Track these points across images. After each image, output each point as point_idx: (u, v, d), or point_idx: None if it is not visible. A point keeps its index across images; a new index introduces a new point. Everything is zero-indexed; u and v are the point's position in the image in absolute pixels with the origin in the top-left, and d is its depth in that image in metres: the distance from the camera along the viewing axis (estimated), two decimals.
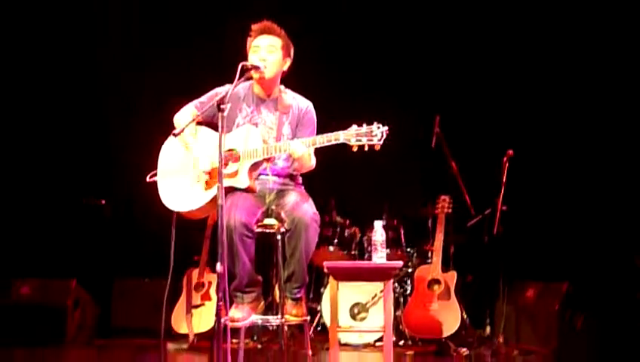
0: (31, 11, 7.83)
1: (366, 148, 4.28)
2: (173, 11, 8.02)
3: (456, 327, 6.23)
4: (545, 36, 7.49)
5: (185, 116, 4.67)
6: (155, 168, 4.72)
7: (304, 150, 4.37)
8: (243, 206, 4.43)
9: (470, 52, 7.78)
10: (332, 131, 4.35)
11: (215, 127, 4.05)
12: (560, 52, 7.42)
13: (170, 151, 4.73)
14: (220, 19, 7.65)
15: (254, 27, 4.70)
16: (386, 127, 4.27)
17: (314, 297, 7.01)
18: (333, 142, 4.33)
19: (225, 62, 4.64)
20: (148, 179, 4.71)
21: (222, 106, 4.02)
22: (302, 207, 4.46)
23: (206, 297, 6.51)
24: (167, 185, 4.65)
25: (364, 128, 4.27)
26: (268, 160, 4.52)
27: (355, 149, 4.28)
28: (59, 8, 7.89)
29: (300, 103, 4.73)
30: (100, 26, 8.03)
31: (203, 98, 4.69)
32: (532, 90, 7.53)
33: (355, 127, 4.28)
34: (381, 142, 4.26)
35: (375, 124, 4.27)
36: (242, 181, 4.46)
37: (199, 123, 4.65)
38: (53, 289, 6.82)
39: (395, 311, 6.32)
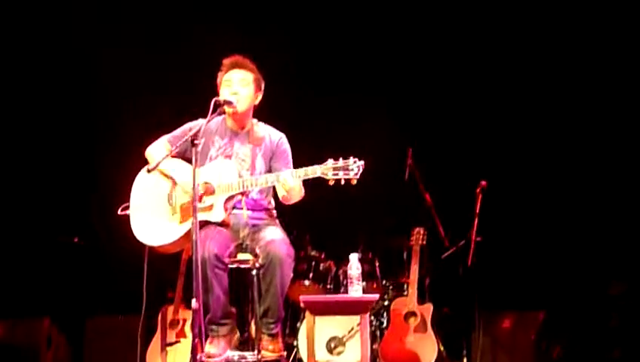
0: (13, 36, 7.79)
1: (342, 183, 4.28)
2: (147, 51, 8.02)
3: (433, 359, 6.21)
4: (515, 68, 7.56)
5: (158, 150, 4.66)
6: (127, 201, 4.69)
7: (295, 181, 4.37)
8: (216, 238, 4.42)
9: (442, 84, 7.83)
10: (305, 164, 4.36)
11: (188, 160, 4.05)
12: (530, 84, 7.49)
13: (143, 185, 4.71)
14: (191, 54, 7.66)
15: (225, 61, 4.73)
16: (362, 162, 4.28)
17: (290, 332, 6.95)
18: (310, 176, 4.33)
19: (198, 96, 4.64)
20: (119, 212, 4.68)
21: (195, 142, 4.04)
22: (276, 242, 4.45)
23: (181, 334, 6.43)
24: (140, 219, 4.63)
25: (341, 162, 4.28)
26: (243, 193, 4.51)
27: (331, 183, 4.29)
28: (40, 35, 7.85)
29: (272, 135, 4.74)
30: (82, 56, 7.98)
31: (176, 132, 4.70)
32: (504, 121, 7.58)
33: (331, 161, 4.29)
34: (357, 176, 4.27)
35: (351, 158, 4.28)
36: (217, 215, 4.46)
37: (173, 156, 4.64)
38: (25, 328, 6.70)
39: (372, 345, 6.28)
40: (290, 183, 4.36)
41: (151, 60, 7.75)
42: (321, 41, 7.99)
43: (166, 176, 4.63)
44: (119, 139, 7.78)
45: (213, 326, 4.49)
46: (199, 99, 4.59)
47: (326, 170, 4.28)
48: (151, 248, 4.54)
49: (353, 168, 4.26)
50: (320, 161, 4.33)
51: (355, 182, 4.27)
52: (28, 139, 7.86)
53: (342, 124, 7.84)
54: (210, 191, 4.48)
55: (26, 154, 7.83)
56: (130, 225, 4.67)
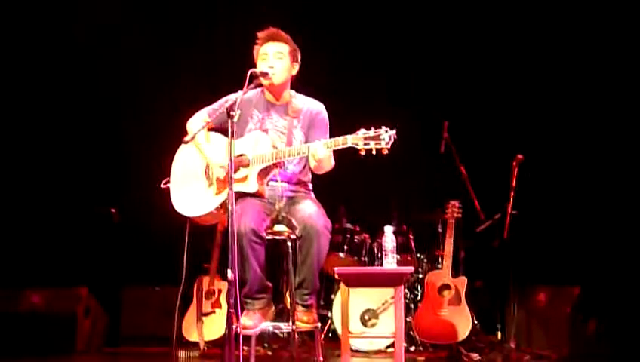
0: (42, 18, 7.85)
1: (374, 153, 4.27)
2: (188, 19, 8.06)
3: (467, 333, 6.21)
4: (556, 40, 7.47)
5: (197, 122, 4.70)
6: (168, 175, 4.74)
7: (325, 151, 4.36)
8: (252, 212, 4.43)
9: (479, 56, 7.77)
10: (340, 135, 4.35)
11: (227, 134, 4.05)
12: (571, 56, 7.40)
13: (182, 158, 4.77)
14: (230, 27, 7.69)
15: (260, 35, 4.72)
16: (394, 131, 4.25)
17: (324, 304, 6.99)
18: (341, 146, 4.32)
19: (236, 70, 4.64)
20: (162, 185, 4.73)
21: (231, 113, 4.04)
22: (314, 214, 4.45)
23: (216, 305, 6.50)
24: (179, 190, 4.68)
25: (372, 132, 4.26)
26: (278, 165, 4.52)
27: (362, 153, 4.27)
28: (69, 15, 7.91)
29: (311, 106, 4.73)
30: (113, 33, 8.03)
31: (215, 105, 4.71)
32: (542, 94, 7.52)
33: (363, 130, 4.27)
34: (389, 146, 4.24)
35: (383, 128, 4.25)
36: (251, 186, 4.48)
37: (212, 129, 4.67)
38: (63, 297, 6.79)
39: (405, 317, 6.30)
40: (320, 154, 4.36)
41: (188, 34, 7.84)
42: (358, 10, 7.97)
43: (201, 153, 4.67)
44: (156, 111, 7.84)
45: (249, 300, 4.51)
46: (237, 72, 4.59)
47: (357, 139, 4.26)
48: (188, 219, 4.57)
49: (384, 138, 4.23)
50: (354, 131, 4.32)
51: (386, 151, 4.25)
52: (65, 111, 7.94)
53: (380, 97, 7.82)
54: (244, 163, 4.50)
55: (63, 126, 7.92)
56: (165, 197, 4.71)
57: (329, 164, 4.54)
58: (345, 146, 4.32)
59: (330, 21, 7.88)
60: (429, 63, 7.89)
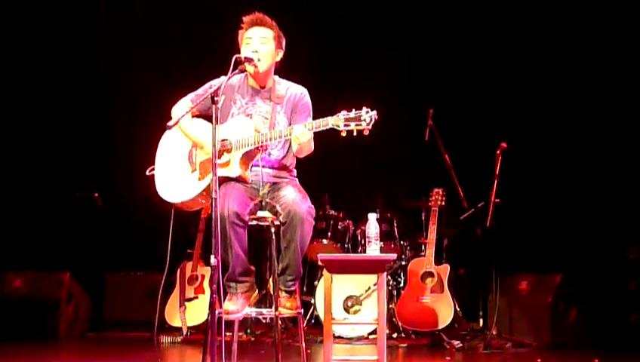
0: (35, 9, 7.82)
1: (355, 134, 4.26)
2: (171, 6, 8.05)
3: (450, 320, 6.25)
4: (538, 28, 7.50)
5: (181, 108, 4.69)
6: (153, 161, 4.73)
7: (307, 135, 4.36)
8: (236, 196, 4.42)
9: (463, 44, 7.79)
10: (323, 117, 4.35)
11: (211, 119, 4.05)
12: (553, 45, 7.43)
13: (166, 144, 4.77)
14: (215, 13, 7.67)
15: (245, 19, 4.69)
16: (375, 112, 4.23)
17: (307, 290, 7.02)
18: (322, 128, 4.31)
19: (221, 55, 4.62)
20: (147, 173, 4.71)
21: (215, 98, 4.03)
22: (298, 200, 4.45)
23: (199, 290, 6.51)
24: (162, 177, 4.67)
25: (353, 113, 4.25)
26: (260, 149, 4.51)
27: (343, 134, 4.26)
28: (63, 6, 7.89)
29: (293, 91, 4.71)
30: (101, 21, 8.02)
31: (199, 90, 4.70)
32: (525, 82, 7.55)
33: (344, 112, 4.26)
34: (369, 126, 4.23)
35: (364, 108, 4.24)
36: (234, 170, 4.47)
37: (196, 116, 4.66)
38: (46, 282, 6.78)
39: (388, 304, 6.32)
40: (303, 138, 4.36)
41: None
42: None
43: (186, 135, 4.66)
44: (141, 95, 7.83)
45: (232, 284, 4.51)
46: (221, 56, 4.58)
47: (337, 121, 4.25)
48: (173, 205, 4.57)
49: (365, 118, 4.22)
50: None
51: (367, 132, 4.24)
52: (50, 96, 7.91)
53: (362, 83, 7.82)
54: (227, 147, 4.49)
55: (48, 110, 7.89)
56: (149, 183, 4.70)
57: (309, 147, 4.53)
58: (326, 128, 4.31)
59: (320, 5, 7.89)
60: (415, 49, 7.89)
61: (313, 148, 4.57)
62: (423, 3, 7.91)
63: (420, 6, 7.91)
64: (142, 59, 7.98)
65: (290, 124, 4.62)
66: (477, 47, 7.73)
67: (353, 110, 4.25)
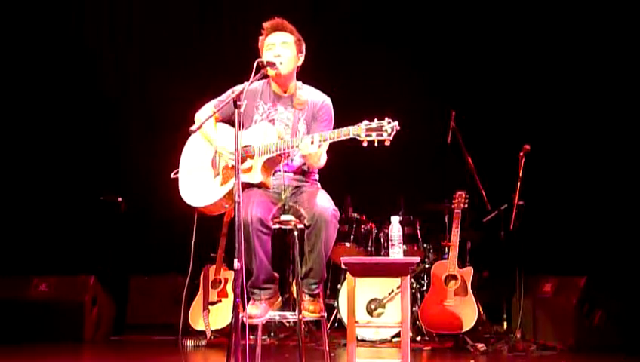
0: (53, 13, 7.90)
1: (376, 144, 4.25)
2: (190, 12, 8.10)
3: (473, 323, 6.22)
4: (562, 30, 7.46)
5: (204, 113, 4.70)
6: (177, 166, 4.76)
7: (312, 149, 4.35)
8: (259, 202, 4.43)
9: (486, 46, 7.77)
10: (346, 126, 4.33)
11: (234, 125, 4.05)
12: (579, 46, 7.38)
13: (191, 148, 4.79)
14: (236, 19, 7.72)
15: (266, 25, 4.70)
16: (397, 123, 4.22)
17: (331, 293, 7.01)
18: (343, 138, 4.30)
19: (243, 62, 4.63)
20: (172, 176, 4.74)
21: (238, 103, 4.04)
22: (321, 203, 4.44)
23: (223, 294, 6.52)
24: (187, 180, 4.69)
25: (375, 123, 4.23)
26: (282, 156, 4.51)
27: (365, 144, 4.25)
28: (78, 10, 7.96)
29: (315, 98, 4.70)
30: (121, 26, 8.09)
31: (222, 96, 4.70)
32: (548, 84, 7.51)
33: (365, 122, 4.25)
34: (391, 137, 4.21)
35: (386, 119, 4.23)
36: (255, 176, 4.47)
37: (219, 121, 4.68)
38: (71, 286, 6.83)
39: (412, 307, 6.31)
40: (304, 151, 4.33)
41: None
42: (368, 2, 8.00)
43: (209, 140, 4.68)
44: (164, 100, 7.87)
45: (255, 290, 4.51)
46: (243, 64, 4.59)
47: (359, 130, 4.23)
48: (196, 210, 4.59)
49: (387, 129, 4.20)
50: (359, 122, 4.30)
51: (389, 143, 4.23)
52: (74, 101, 7.99)
53: (386, 86, 7.82)
54: (249, 153, 4.50)
55: (72, 116, 7.96)
56: (173, 187, 4.73)
57: (317, 162, 4.49)
58: (346, 138, 4.30)
59: (341, 12, 7.90)
60: (437, 52, 7.88)
61: (323, 164, 4.55)
62: (446, 5, 7.89)
63: (443, 8, 7.90)
64: (163, 63, 8.02)
65: (308, 132, 4.61)
66: (500, 49, 7.70)
67: (375, 120, 4.23)
